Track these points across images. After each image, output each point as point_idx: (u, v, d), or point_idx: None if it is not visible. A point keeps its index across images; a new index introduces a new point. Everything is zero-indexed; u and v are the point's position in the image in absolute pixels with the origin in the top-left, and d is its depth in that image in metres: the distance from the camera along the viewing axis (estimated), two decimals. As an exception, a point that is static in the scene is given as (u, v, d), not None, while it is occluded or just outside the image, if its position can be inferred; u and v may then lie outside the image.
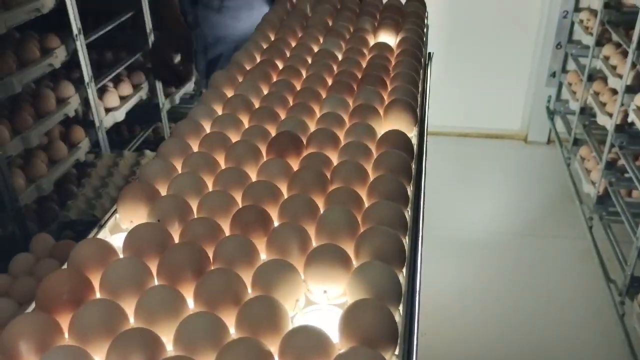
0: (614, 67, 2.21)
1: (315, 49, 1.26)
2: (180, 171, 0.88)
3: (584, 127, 2.57)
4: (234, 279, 0.66)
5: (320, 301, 0.69)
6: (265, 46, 1.29)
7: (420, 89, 1.14)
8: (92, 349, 0.60)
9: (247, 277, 0.68)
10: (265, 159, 0.90)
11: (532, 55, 3.08)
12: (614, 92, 2.22)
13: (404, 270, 0.72)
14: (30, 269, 1.23)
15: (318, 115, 1.01)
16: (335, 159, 0.89)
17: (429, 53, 1.44)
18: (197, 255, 0.70)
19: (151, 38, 2.22)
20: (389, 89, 1.09)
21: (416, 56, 1.22)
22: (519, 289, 2.22)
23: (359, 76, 1.13)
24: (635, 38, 1.93)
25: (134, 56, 2.21)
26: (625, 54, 2.11)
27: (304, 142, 0.93)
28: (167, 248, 0.71)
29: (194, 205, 0.80)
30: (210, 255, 0.71)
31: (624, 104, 2.05)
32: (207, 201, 0.79)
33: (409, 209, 0.83)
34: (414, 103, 1.03)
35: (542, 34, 2.98)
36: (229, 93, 1.10)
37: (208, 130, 0.98)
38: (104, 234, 0.82)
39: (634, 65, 1.98)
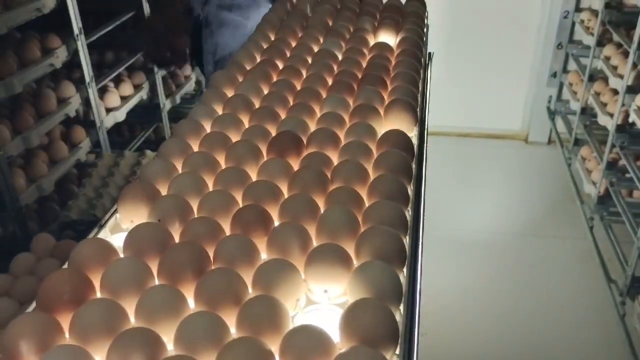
0: (615, 68, 2.21)
1: (316, 48, 1.26)
2: (180, 171, 0.88)
3: (584, 128, 2.57)
4: (234, 278, 0.66)
5: (320, 301, 0.68)
6: (265, 46, 1.29)
7: (420, 88, 1.14)
8: (92, 348, 0.60)
9: (248, 277, 0.68)
10: (265, 158, 0.90)
11: (532, 56, 3.08)
12: (615, 92, 2.22)
13: (405, 270, 0.72)
14: (31, 269, 1.23)
15: (318, 115, 1.01)
16: (335, 159, 0.89)
17: (429, 53, 1.44)
18: (197, 255, 0.70)
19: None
20: (389, 89, 1.08)
21: (416, 56, 1.22)
22: (519, 289, 2.22)
23: (359, 76, 1.13)
24: (636, 38, 1.93)
25: (135, 56, 2.21)
26: (626, 54, 2.11)
27: (305, 141, 0.93)
28: (168, 248, 0.71)
29: (195, 205, 0.80)
30: (211, 254, 0.71)
31: (624, 104, 2.05)
32: (208, 201, 0.80)
33: (409, 208, 0.83)
34: (414, 103, 1.03)
35: (542, 34, 2.98)
36: (229, 93, 1.10)
37: (208, 130, 0.98)
38: (104, 234, 0.82)
39: (635, 65, 1.98)
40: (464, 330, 2.04)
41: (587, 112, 2.61)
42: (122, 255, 0.73)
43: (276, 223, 0.77)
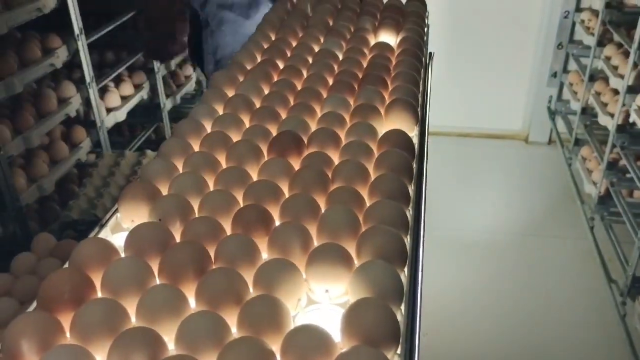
0: (615, 68, 2.21)
1: (316, 48, 1.26)
2: (181, 170, 0.88)
3: (585, 128, 2.57)
4: (235, 278, 0.66)
5: (322, 300, 0.68)
6: (266, 46, 1.29)
7: (421, 88, 1.14)
8: (93, 348, 0.60)
9: (249, 277, 0.68)
10: (266, 158, 0.90)
11: (533, 56, 3.07)
12: (616, 92, 2.22)
13: (406, 269, 0.72)
14: (32, 269, 1.23)
15: (319, 114, 1.01)
16: (336, 159, 0.89)
17: (430, 53, 1.44)
18: (198, 255, 0.69)
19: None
20: (390, 89, 1.08)
21: (417, 56, 1.22)
22: (519, 289, 2.22)
23: (360, 76, 1.13)
24: (636, 38, 1.93)
25: (135, 56, 2.21)
26: (626, 54, 2.11)
27: (305, 141, 0.93)
28: (169, 247, 0.71)
29: (195, 205, 0.80)
30: (212, 254, 0.71)
31: (625, 104, 2.05)
32: (209, 200, 0.79)
33: (410, 208, 0.83)
34: (414, 102, 1.03)
35: (543, 34, 2.98)
36: (230, 93, 1.10)
37: (209, 130, 0.98)
38: (105, 234, 0.82)
39: (635, 65, 1.98)
40: (464, 330, 2.03)
41: (587, 112, 2.61)
42: (123, 255, 0.73)
43: (277, 223, 0.77)
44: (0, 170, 1.42)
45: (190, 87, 2.67)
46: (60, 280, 0.66)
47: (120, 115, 2.09)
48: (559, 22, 2.91)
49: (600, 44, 2.44)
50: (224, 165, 0.90)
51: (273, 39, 1.34)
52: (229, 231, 0.76)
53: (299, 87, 1.10)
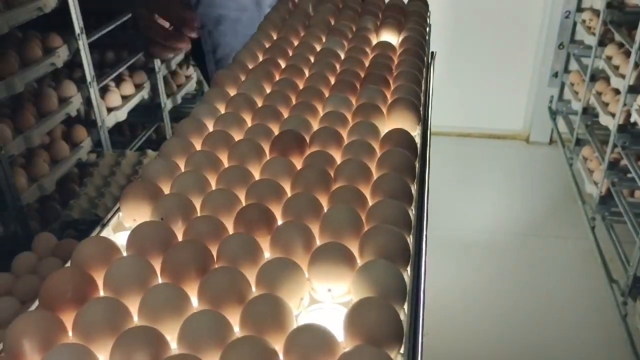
0: (616, 67, 2.21)
1: (318, 47, 1.26)
2: (183, 170, 0.88)
3: (586, 127, 2.57)
4: (238, 277, 0.66)
5: (324, 300, 0.68)
6: (267, 45, 1.29)
7: (423, 87, 1.14)
8: (96, 347, 0.59)
9: (251, 276, 0.67)
10: (268, 157, 0.90)
11: (534, 55, 3.07)
12: (617, 92, 2.22)
13: (409, 268, 0.72)
14: (33, 268, 1.23)
15: (321, 114, 1.01)
16: (338, 158, 0.89)
17: (432, 52, 1.44)
18: (200, 254, 0.69)
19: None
20: (392, 88, 1.08)
21: (419, 55, 1.22)
22: (520, 289, 2.22)
23: (362, 75, 1.12)
24: (638, 38, 1.93)
25: (136, 56, 2.21)
26: (628, 54, 2.11)
27: (307, 140, 0.93)
28: (171, 246, 0.71)
29: (197, 204, 0.80)
30: (214, 253, 0.71)
31: (626, 104, 2.05)
32: (211, 199, 0.79)
33: (413, 207, 0.83)
34: (417, 102, 1.03)
35: (544, 34, 2.98)
36: (232, 92, 1.10)
37: (211, 129, 0.98)
38: (106, 233, 0.82)
39: (636, 65, 1.98)
40: (464, 330, 2.03)
41: (588, 112, 2.61)
42: (125, 254, 0.73)
43: (279, 222, 0.77)
44: (1, 170, 1.42)
45: (191, 87, 2.66)
46: (62, 279, 0.66)
47: (121, 115, 2.09)
48: (560, 22, 2.91)
49: (602, 44, 2.44)
50: (226, 165, 0.90)
51: (275, 38, 1.34)
52: (231, 230, 0.76)
53: (301, 86, 1.10)
